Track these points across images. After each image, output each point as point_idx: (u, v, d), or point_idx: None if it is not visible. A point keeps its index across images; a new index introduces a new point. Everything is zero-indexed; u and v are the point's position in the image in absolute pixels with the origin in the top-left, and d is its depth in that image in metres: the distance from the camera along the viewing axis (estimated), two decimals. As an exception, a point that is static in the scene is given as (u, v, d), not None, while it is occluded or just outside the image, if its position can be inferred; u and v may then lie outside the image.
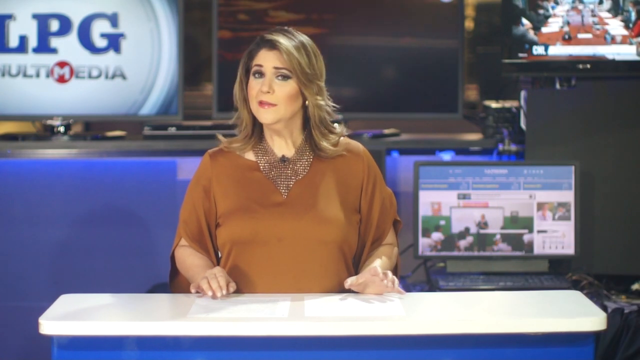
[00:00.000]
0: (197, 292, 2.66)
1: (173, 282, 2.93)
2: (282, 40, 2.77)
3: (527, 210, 3.92)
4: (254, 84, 2.78)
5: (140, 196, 4.51)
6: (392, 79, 4.41)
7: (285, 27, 2.83)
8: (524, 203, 3.92)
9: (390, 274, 2.69)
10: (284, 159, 2.83)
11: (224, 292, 2.61)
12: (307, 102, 2.80)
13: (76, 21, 4.36)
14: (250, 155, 2.85)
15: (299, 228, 2.75)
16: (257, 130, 2.84)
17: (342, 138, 2.87)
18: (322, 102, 2.81)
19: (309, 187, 2.80)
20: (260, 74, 2.77)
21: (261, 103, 2.76)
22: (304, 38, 2.81)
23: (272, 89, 2.75)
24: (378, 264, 2.80)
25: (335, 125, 2.89)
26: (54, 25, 4.36)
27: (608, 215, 4.05)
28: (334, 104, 2.85)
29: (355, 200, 2.84)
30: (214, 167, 2.84)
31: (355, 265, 2.86)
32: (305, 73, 2.77)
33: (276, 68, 2.76)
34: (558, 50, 4.03)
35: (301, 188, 2.80)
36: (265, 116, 2.77)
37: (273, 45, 2.77)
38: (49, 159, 4.49)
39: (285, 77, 2.77)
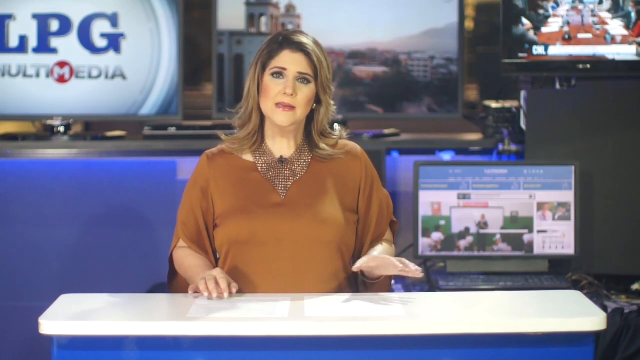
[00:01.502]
0: (196, 292, 2.66)
1: (172, 283, 2.92)
2: (309, 44, 2.74)
3: (527, 210, 3.92)
4: (273, 84, 2.74)
5: (140, 196, 4.51)
6: (392, 78, 4.41)
7: (298, 29, 2.81)
8: (524, 203, 3.92)
9: (401, 259, 2.66)
10: (282, 160, 2.82)
11: (225, 295, 2.60)
12: (314, 105, 2.79)
13: (76, 21, 4.36)
14: (248, 156, 2.84)
15: (297, 228, 2.74)
16: (260, 128, 2.83)
17: (340, 139, 2.86)
18: (333, 106, 2.81)
19: (307, 187, 2.79)
20: (281, 75, 2.75)
21: (280, 105, 2.74)
22: (316, 40, 2.80)
23: (295, 92, 2.74)
24: (380, 250, 2.80)
25: (336, 126, 2.88)
26: (54, 25, 4.36)
27: (608, 215, 4.05)
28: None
29: (353, 201, 2.83)
30: (211, 168, 2.83)
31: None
32: (327, 79, 2.76)
33: (300, 72, 2.74)
34: (558, 50, 4.03)
35: (299, 188, 2.79)
36: (281, 118, 2.74)
37: (299, 48, 2.74)
38: (49, 159, 4.48)
39: (306, 81, 2.75)
